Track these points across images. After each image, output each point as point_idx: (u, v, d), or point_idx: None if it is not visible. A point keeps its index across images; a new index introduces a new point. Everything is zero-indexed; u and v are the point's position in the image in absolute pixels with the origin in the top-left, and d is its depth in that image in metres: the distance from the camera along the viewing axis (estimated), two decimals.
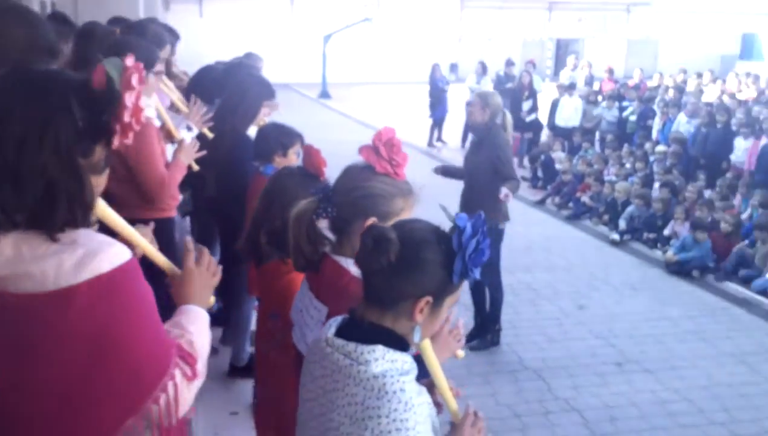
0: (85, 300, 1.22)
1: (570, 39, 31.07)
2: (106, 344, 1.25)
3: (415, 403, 1.39)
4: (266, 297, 2.58)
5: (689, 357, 5.23)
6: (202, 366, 1.45)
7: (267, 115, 3.92)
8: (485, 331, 5.19)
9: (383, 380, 1.38)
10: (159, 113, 3.13)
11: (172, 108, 3.49)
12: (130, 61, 1.36)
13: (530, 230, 8.49)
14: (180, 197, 3.81)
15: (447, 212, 1.55)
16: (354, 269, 1.64)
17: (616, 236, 8.16)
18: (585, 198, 9.31)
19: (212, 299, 1.66)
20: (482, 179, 4.79)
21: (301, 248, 1.82)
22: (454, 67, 15.06)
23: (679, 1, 31.77)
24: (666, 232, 7.98)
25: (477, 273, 1.46)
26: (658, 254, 7.59)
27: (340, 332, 1.49)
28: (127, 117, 1.33)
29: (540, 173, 10.98)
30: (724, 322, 5.97)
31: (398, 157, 1.81)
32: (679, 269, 7.07)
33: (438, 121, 13.89)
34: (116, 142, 1.35)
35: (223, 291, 4.86)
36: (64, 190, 1.26)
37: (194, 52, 29.41)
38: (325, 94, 22.27)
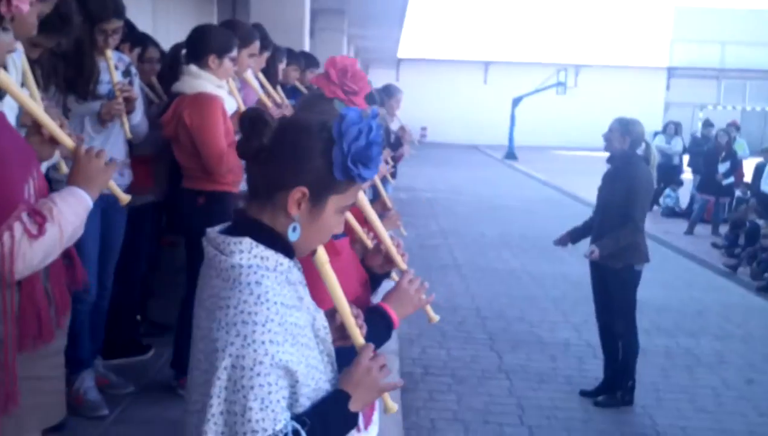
0: None
1: None
2: None
3: (272, 300, 1.19)
4: None
5: None
6: (55, 230, 1.41)
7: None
8: (615, 386, 4.47)
9: (240, 270, 1.23)
10: (234, 96, 3.15)
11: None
12: None
13: (707, 296, 7.40)
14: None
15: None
16: None
17: None
18: None
19: (125, 196, 1.58)
20: (616, 215, 4.22)
21: None
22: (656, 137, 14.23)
23: None
24: None
25: (363, 171, 1.26)
26: None
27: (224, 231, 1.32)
28: None
29: (742, 241, 9.61)
30: None
31: (353, 84, 1.58)
32: None
33: None
34: (3, 8, 1.42)
35: None
36: None
37: None
38: (511, 155, 22.09)
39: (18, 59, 1.80)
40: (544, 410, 4.41)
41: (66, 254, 1.57)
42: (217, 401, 1.17)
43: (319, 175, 1.26)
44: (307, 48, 6.81)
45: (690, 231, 11.00)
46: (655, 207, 12.70)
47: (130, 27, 3.21)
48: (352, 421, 1.29)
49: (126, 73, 2.84)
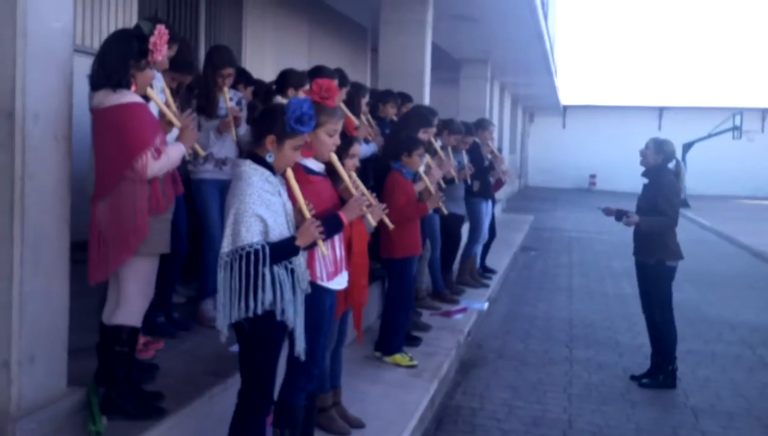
0: (113, 113, 2.76)
1: None
2: (120, 131, 2.75)
3: (255, 185, 2.50)
4: None
5: None
6: (165, 158, 2.80)
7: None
8: (659, 371, 5.00)
9: (242, 172, 2.55)
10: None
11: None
12: (161, 27, 2.80)
13: None
14: None
15: None
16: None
17: None
18: None
19: (203, 152, 3.13)
20: None
21: None
22: None
23: None
24: None
25: (300, 127, 2.54)
26: None
27: None
28: (151, 46, 2.79)
29: None
30: None
31: (325, 94, 2.81)
32: None
33: None
34: (150, 58, 2.81)
35: None
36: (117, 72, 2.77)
37: (555, 161, 31.22)
38: (683, 203, 21.36)
39: (159, 82, 3.26)
40: (590, 385, 5.07)
41: (173, 177, 2.97)
42: (228, 229, 2.49)
43: (280, 129, 2.58)
44: (427, 94, 8.06)
45: None
46: None
47: (246, 74, 4.70)
48: (295, 249, 2.57)
49: (238, 103, 4.25)
